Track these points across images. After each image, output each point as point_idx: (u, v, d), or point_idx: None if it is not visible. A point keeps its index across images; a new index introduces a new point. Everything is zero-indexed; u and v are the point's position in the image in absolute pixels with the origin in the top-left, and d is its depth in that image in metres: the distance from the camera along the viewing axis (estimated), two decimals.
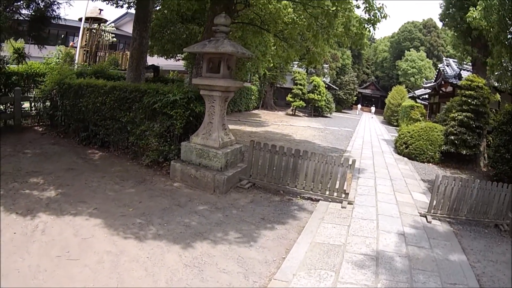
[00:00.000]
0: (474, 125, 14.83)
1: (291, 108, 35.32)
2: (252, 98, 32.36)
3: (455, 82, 20.75)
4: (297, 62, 38.63)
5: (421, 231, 7.85)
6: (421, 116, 22.02)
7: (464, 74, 21.43)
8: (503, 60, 12.28)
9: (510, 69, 12.49)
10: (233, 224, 6.91)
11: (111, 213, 6.65)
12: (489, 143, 15.22)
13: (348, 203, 8.92)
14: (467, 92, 15.11)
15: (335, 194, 9.00)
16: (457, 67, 23.40)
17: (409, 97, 39.00)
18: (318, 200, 9.04)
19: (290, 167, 8.96)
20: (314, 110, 37.68)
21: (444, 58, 27.58)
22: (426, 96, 34.55)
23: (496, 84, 16.64)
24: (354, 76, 61.69)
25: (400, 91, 41.72)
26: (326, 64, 44.49)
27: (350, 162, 8.78)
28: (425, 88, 32.52)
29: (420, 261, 6.34)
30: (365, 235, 7.26)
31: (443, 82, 22.31)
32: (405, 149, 17.05)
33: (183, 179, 8.82)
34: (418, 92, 38.85)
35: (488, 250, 7.27)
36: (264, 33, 13.10)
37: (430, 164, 16.02)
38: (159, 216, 6.75)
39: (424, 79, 43.42)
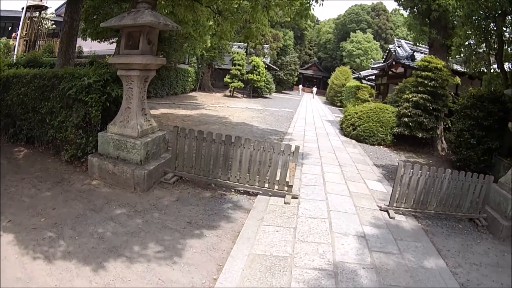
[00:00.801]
0: (431, 108, 14.04)
1: (229, 89, 34.01)
2: (189, 80, 30.80)
3: (407, 63, 19.78)
4: (237, 43, 37.37)
5: (385, 230, 6.46)
6: (369, 97, 20.97)
7: (418, 56, 20.76)
8: (471, 42, 11.85)
9: (478, 50, 11.86)
10: (154, 232, 5.68)
11: (23, 225, 5.59)
12: (446, 126, 14.54)
13: (292, 197, 7.32)
14: (423, 73, 14.24)
15: (276, 187, 7.45)
16: (410, 49, 22.62)
17: (354, 78, 38.52)
18: (256, 195, 7.50)
19: (221, 156, 7.52)
20: (253, 91, 36.55)
21: (395, 39, 26.84)
22: (373, 77, 33.96)
23: (455, 67, 15.77)
24: (295, 57, 61.08)
25: (344, 71, 41.26)
26: (267, 44, 43.83)
27: (292, 149, 7.26)
28: (372, 68, 31.86)
29: (391, 273, 4.98)
30: (317, 240, 5.67)
31: (394, 63, 21.42)
32: (353, 131, 15.91)
33: (102, 176, 7.49)
34: (363, 73, 38.43)
35: (467, 250, 6.26)
36: (197, 6, 11.26)
37: (381, 146, 15.01)
38: (71, 227, 5.61)
39: (371, 60, 42.78)
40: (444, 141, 15.40)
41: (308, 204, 7.15)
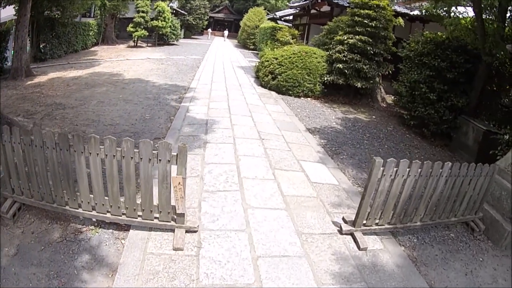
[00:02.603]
0: (372, 52, 11.07)
1: (133, 39, 30.05)
2: (91, 34, 26.76)
3: (335, 1, 16.42)
4: None
5: (358, 284, 3.44)
6: (292, 39, 17.29)
7: None
8: None
9: None
10: None
11: None
12: (387, 74, 11.75)
13: (187, 232, 3.88)
14: (362, 11, 11.15)
15: (156, 216, 3.90)
16: None
17: (269, 19, 34.75)
18: (128, 229, 3.95)
19: (59, 169, 3.88)
20: (159, 38, 32.63)
21: None
22: (290, 17, 30.38)
23: (396, 8, 13.00)
24: (205, 0, 56.35)
25: (257, 12, 37.19)
26: None
27: (175, 152, 3.59)
28: (292, 7, 27.98)
29: None
30: None
31: (318, 0, 17.79)
32: (272, 80, 12.44)
33: None
34: (279, 13, 34.64)
35: (475, 282, 4.08)
36: None
37: (309, 99, 11.87)
38: None
39: (289, 1, 39.16)
40: (383, 90, 12.78)
41: (215, 244, 3.70)
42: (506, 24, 7.76)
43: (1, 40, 13.35)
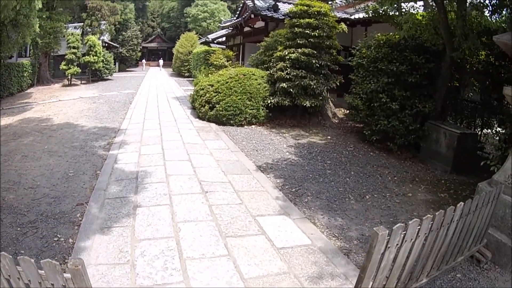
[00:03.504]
0: (318, 65, 9.99)
1: (67, 77, 27.96)
2: (25, 75, 24.61)
3: (270, 15, 15.36)
4: (72, 24, 32.50)
5: None
6: (227, 61, 15.77)
7: (282, 6, 16.47)
8: None
9: None
10: None
11: None
12: (333, 86, 10.65)
13: None
14: (302, 21, 10.11)
15: None
16: None
17: (201, 43, 33.58)
18: None
19: None
20: (93, 74, 30.52)
21: None
22: (223, 39, 29.16)
23: (338, 14, 12.23)
24: (137, 31, 54.85)
25: (189, 37, 35.89)
26: (104, 20, 36.20)
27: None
28: (223, 28, 26.71)
29: None
30: None
31: (252, 16, 16.56)
32: (210, 110, 10.99)
33: None
34: (211, 36, 33.45)
35: None
36: None
37: (253, 126, 10.55)
38: None
39: (219, 23, 38.03)
40: (332, 105, 11.72)
41: None
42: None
43: None
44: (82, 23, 33.90)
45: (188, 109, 13.71)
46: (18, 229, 4.43)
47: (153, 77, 34.66)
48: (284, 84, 9.96)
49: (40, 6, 13.36)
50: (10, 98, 20.16)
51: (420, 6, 9.25)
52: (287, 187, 5.99)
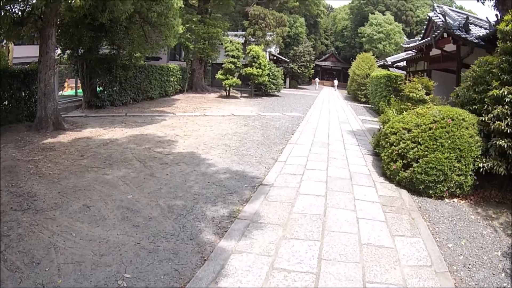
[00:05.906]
0: None
1: (224, 88, 26.29)
2: (172, 79, 23.60)
3: (464, 36, 12.27)
4: (233, 32, 31.36)
5: None
6: (426, 94, 11.32)
7: (475, 29, 13.41)
8: None
9: None
10: None
11: None
12: None
13: None
14: None
15: None
16: (457, 16, 15.12)
17: (379, 66, 30.63)
18: None
19: None
20: (256, 88, 28.66)
21: (435, 5, 18.45)
22: (403, 64, 25.85)
23: None
24: (309, 47, 53.07)
25: (366, 58, 32.40)
26: (270, 31, 33.16)
27: None
28: (406, 50, 22.95)
29: None
30: None
31: (444, 36, 13.39)
32: (403, 170, 7.56)
33: None
34: (390, 59, 30.32)
35: None
36: None
37: (456, 200, 7.04)
38: None
39: (397, 45, 34.86)
40: None
41: None
42: None
43: (28, 81, 11.80)
44: (244, 32, 32.40)
45: (369, 155, 10.31)
46: None
47: (326, 100, 31.88)
48: (503, 141, 6.41)
49: (181, 5, 13.02)
50: (147, 102, 19.11)
51: None
52: None
